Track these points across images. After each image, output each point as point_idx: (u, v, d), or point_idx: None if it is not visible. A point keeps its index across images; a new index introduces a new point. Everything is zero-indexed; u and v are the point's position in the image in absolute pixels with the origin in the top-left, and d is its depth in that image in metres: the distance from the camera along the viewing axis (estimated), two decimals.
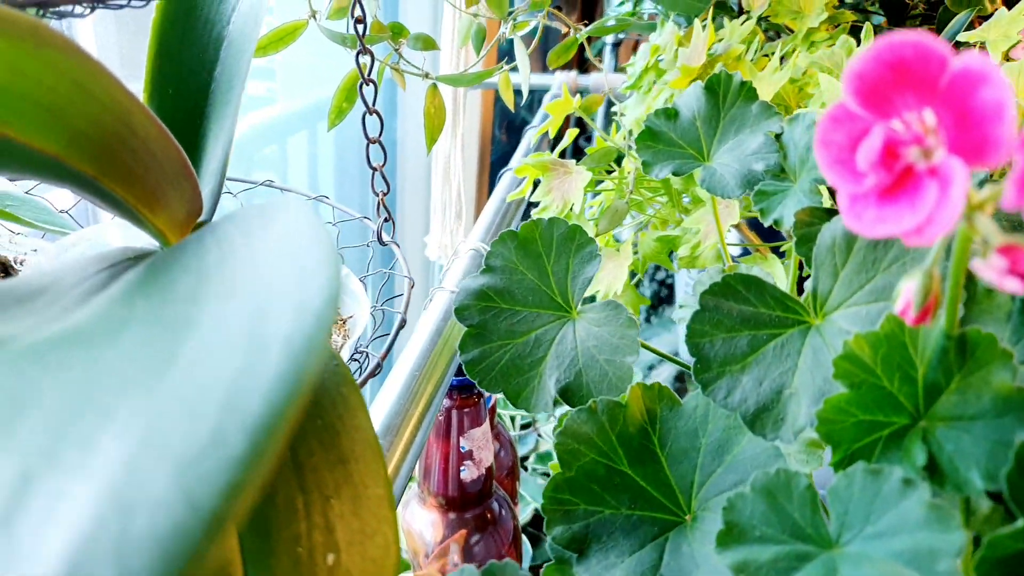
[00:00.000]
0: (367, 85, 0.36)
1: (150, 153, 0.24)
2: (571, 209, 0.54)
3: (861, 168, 0.18)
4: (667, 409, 0.30)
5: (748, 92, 0.34)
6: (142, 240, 0.36)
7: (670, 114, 0.35)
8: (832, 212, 0.30)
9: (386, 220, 0.40)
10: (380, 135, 0.38)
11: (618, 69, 1.22)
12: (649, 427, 0.30)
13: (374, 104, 0.37)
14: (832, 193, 0.30)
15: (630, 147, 0.58)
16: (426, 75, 0.55)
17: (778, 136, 0.33)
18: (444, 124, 0.55)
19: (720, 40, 0.56)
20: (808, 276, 0.27)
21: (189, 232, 0.29)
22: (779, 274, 0.49)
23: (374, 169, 0.38)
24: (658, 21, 0.74)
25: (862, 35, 0.49)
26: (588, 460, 0.28)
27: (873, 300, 0.25)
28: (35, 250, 0.35)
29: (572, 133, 0.61)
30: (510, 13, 0.58)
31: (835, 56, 0.48)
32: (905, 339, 0.21)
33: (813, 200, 0.30)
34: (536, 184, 0.57)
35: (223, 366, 0.13)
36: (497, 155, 1.51)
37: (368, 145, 0.38)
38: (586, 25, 0.73)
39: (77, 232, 0.33)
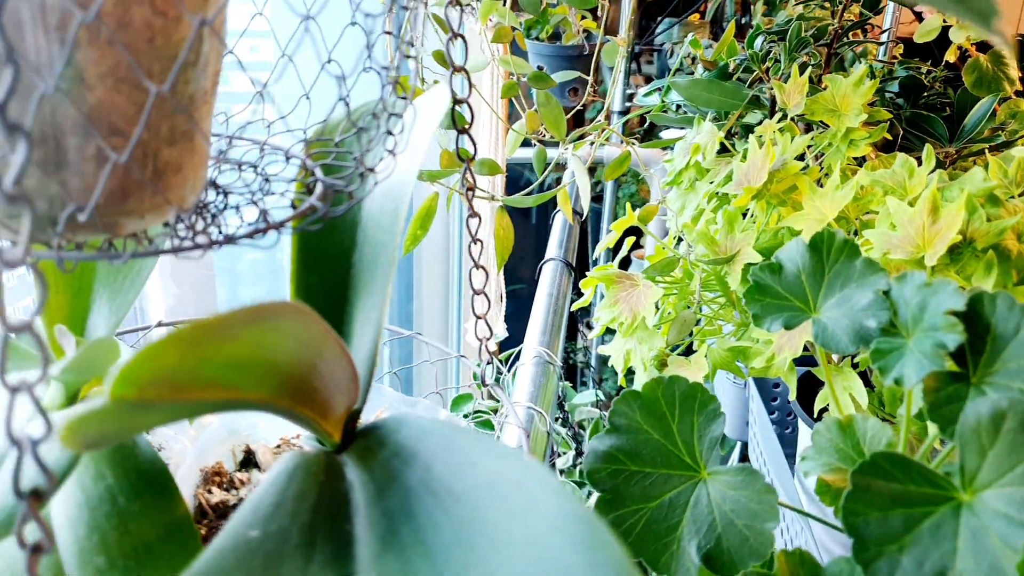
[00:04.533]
0: (475, 244, 0.38)
1: (332, 373, 0.25)
2: (642, 321, 0.56)
3: None
4: (809, 575, 0.31)
5: (851, 249, 0.35)
6: (288, 428, 0.37)
7: (774, 268, 0.37)
8: (959, 378, 0.31)
9: (488, 363, 0.41)
10: (485, 286, 0.39)
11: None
12: None
13: (479, 260, 0.38)
14: (953, 357, 0.31)
15: (689, 253, 0.59)
16: (492, 197, 0.57)
17: (886, 292, 0.34)
18: (512, 244, 0.56)
19: (769, 143, 0.58)
20: None
21: (344, 423, 0.29)
22: (858, 388, 0.51)
23: (478, 317, 0.40)
24: (695, 117, 0.77)
25: (923, 155, 0.51)
26: None
27: None
28: None
29: (630, 242, 0.63)
30: (569, 135, 0.60)
31: (896, 176, 0.51)
32: None
33: (936, 363, 0.31)
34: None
35: None
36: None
37: (473, 297, 0.39)
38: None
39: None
